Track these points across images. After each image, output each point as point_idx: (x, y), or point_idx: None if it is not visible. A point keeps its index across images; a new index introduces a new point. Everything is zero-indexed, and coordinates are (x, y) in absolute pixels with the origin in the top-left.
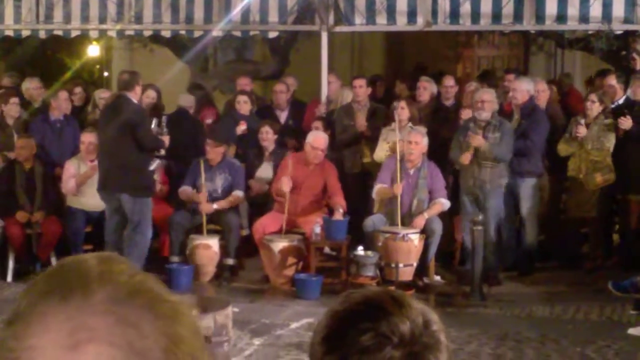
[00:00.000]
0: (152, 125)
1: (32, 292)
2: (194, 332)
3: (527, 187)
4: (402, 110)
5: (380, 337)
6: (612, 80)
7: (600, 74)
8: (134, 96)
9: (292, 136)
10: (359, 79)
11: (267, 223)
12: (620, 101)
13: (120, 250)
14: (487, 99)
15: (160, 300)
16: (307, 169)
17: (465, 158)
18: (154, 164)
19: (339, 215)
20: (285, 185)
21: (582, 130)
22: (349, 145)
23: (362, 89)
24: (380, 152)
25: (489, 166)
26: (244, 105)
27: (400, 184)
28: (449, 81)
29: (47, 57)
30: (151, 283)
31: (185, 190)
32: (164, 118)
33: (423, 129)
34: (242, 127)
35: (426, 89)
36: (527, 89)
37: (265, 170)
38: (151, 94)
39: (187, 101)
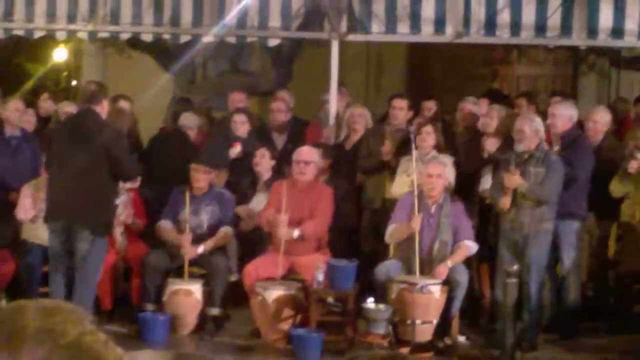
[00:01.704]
0: None
1: None
2: None
3: (569, 233)
4: (428, 136)
5: None
6: None
7: None
8: (102, 111)
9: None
10: (400, 99)
11: (261, 266)
12: None
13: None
14: (527, 130)
15: None
16: (303, 198)
17: (505, 202)
18: (121, 198)
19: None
20: (282, 222)
21: (635, 166)
22: (371, 173)
23: (402, 111)
24: (399, 186)
25: (529, 207)
26: (241, 127)
27: (419, 215)
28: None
29: (4, 61)
30: (100, 346)
31: (165, 227)
32: None
33: (448, 159)
34: (236, 149)
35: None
36: (569, 114)
37: (259, 202)
38: (125, 105)
39: (190, 122)
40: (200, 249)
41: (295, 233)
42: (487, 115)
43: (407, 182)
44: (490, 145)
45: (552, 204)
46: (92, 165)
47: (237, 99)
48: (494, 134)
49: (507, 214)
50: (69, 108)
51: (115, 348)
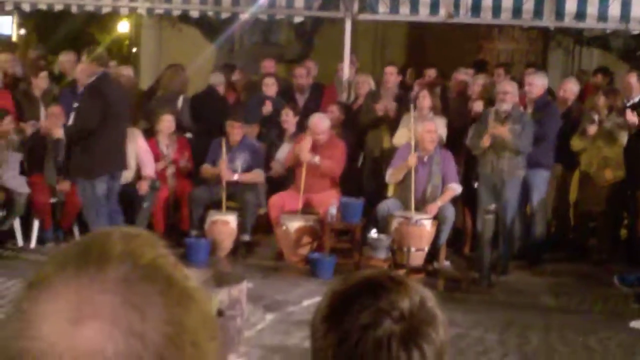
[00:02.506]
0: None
1: (55, 259)
2: (202, 321)
3: (538, 179)
4: (424, 99)
5: (380, 313)
6: (631, 78)
7: (598, 70)
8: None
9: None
10: (390, 66)
11: (284, 200)
12: (637, 99)
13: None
14: (509, 91)
15: (174, 286)
16: (321, 148)
17: (486, 141)
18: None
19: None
20: (307, 144)
21: (593, 129)
22: (371, 128)
23: (392, 76)
24: (400, 137)
25: (507, 156)
26: (272, 87)
27: (414, 154)
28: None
29: (78, 32)
30: (170, 267)
31: (207, 167)
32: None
33: (440, 119)
34: (268, 108)
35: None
36: (542, 83)
37: (285, 151)
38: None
39: (217, 79)
40: (236, 176)
41: (317, 158)
42: (474, 82)
43: (407, 135)
44: (477, 106)
45: (525, 154)
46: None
47: (268, 65)
48: (479, 97)
49: (488, 161)
50: (125, 71)
51: (182, 268)
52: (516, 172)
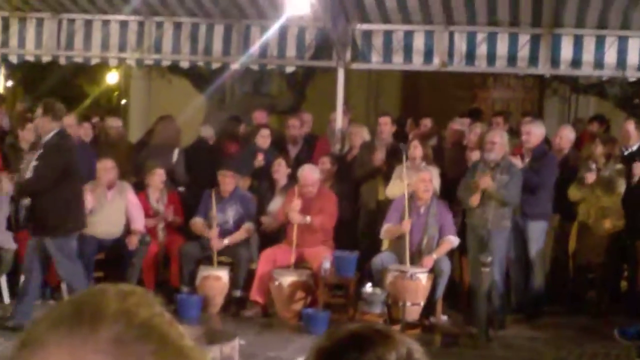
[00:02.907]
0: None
1: (48, 318)
2: None
3: (535, 230)
4: (415, 149)
5: None
6: (629, 126)
7: (594, 118)
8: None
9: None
10: (385, 116)
11: (276, 255)
12: (635, 147)
13: None
14: (497, 141)
15: (168, 345)
16: (311, 202)
17: (475, 199)
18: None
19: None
20: (296, 205)
21: (591, 177)
22: (366, 180)
23: (387, 126)
24: (393, 188)
25: (493, 207)
26: (266, 139)
27: (409, 220)
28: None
29: (66, 83)
30: (165, 326)
31: (197, 222)
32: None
33: (434, 169)
34: (260, 160)
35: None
36: (540, 132)
37: (276, 204)
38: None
39: (207, 132)
40: (226, 241)
41: (308, 218)
42: (470, 131)
43: (400, 186)
44: (474, 156)
45: (512, 205)
46: None
47: (260, 116)
48: (476, 147)
49: (475, 211)
50: (114, 123)
51: (177, 326)
52: (502, 223)
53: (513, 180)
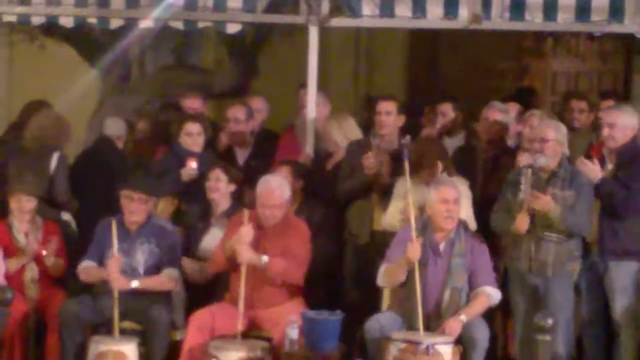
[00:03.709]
0: None
1: None
2: None
3: (623, 275)
4: None
5: None
6: None
7: None
8: None
9: (254, 186)
10: (387, 101)
11: (215, 318)
12: None
13: None
14: (551, 137)
15: None
16: (271, 236)
17: (522, 223)
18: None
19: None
20: (247, 235)
21: None
22: (354, 197)
23: (389, 117)
24: (394, 214)
25: (553, 240)
26: (197, 139)
27: (418, 241)
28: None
29: None
30: None
31: (88, 269)
32: None
33: (464, 183)
34: (191, 167)
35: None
36: (631, 124)
37: (214, 239)
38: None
39: (116, 128)
40: (135, 282)
41: (264, 258)
42: (523, 122)
43: (400, 210)
44: (527, 162)
45: (580, 236)
46: None
47: (191, 103)
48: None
49: (522, 247)
50: None
51: None
52: (568, 266)
53: (581, 197)
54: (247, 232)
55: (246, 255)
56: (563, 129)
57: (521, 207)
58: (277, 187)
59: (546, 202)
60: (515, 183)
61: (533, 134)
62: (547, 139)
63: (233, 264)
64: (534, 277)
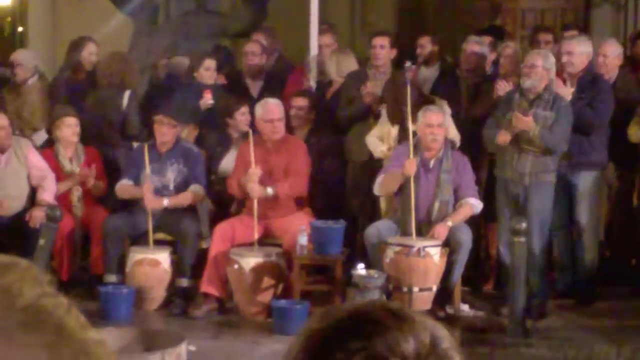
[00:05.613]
0: None
1: None
2: None
3: (586, 184)
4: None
5: None
6: None
7: None
8: None
9: None
10: (381, 36)
11: (235, 229)
12: None
13: None
14: (540, 64)
15: (68, 339)
16: (273, 154)
17: (503, 137)
18: None
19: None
20: (254, 175)
21: None
22: (354, 122)
23: (383, 50)
24: (375, 144)
25: (531, 155)
26: (211, 74)
27: (414, 159)
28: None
29: None
30: (61, 312)
31: (124, 187)
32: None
33: (445, 105)
34: (207, 98)
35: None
36: (586, 51)
37: (232, 161)
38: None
39: (180, 64)
40: (165, 201)
41: (269, 190)
42: (501, 53)
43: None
44: (504, 89)
45: (558, 153)
46: None
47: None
48: (509, 75)
49: (506, 160)
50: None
51: (79, 315)
52: (545, 177)
53: (561, 118)
54: (254, 172)
55: (256, 192)
56: (551, 58)
57: (507, 124)
58: (276, 104)
59: (527, 122)
60: (507, 104)
61: (525, 61)
62: (535, 65)
63: (247, 194)
64: (516, 185)
